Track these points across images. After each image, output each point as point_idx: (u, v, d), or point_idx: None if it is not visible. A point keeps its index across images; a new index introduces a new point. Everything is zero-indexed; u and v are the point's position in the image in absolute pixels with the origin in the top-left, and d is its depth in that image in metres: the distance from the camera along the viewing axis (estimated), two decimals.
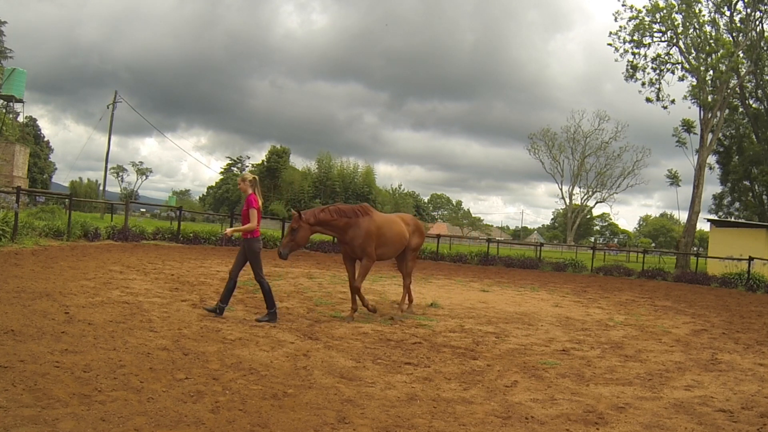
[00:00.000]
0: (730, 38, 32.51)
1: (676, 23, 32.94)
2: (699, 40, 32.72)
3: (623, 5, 34.13)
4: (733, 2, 32.79)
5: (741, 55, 32.37)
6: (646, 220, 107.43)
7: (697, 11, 32.64)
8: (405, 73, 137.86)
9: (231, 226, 22.34)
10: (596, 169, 61.31)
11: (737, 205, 40.51)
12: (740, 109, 37.25)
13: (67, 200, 20.65)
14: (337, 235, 7.75)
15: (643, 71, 34.87)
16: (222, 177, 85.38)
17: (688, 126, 36.49)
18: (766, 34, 32.55)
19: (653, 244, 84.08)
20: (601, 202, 63.42)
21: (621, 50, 34.78)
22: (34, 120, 62.71)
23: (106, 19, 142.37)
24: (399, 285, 12.39)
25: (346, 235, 7.60)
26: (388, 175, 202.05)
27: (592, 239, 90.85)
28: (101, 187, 52.62)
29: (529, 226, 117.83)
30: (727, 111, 34.69)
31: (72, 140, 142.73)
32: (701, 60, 32.56)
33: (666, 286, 18.64)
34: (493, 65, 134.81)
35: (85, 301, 6.98)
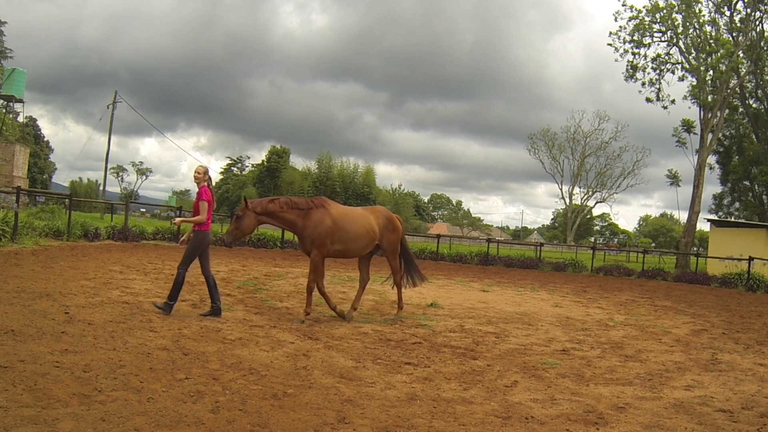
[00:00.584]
0: (730, 38, 32.53)
1: (676, 23, 32.97)
2: (699, 40, 32.74)
3: (623, 5, 34.20)
4: (733, 2, 32.81)
5: (741, 55, 32.40)
6: (646, 220, 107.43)
7: (697, 11, 32.68)
8: (404, 73, 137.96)
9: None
10: (596, 169, 61.35)
11: (737, 205, 40.52)
12: (740, 109, 37.26)
13: (67, 200, 20.66)
14: (289, 229, 7.46)
15: (643, 71, 34.95)
16: (222, 177, 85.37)
17: (688, 126, 36.52)
18: (766, 34, 32.57)
19: (653, 244, 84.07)
20: (601, 202, 63.44)
21: (621, 50, 34.89)
22: (34, 120, 62.71)
23: (105, 19, 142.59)
24: None
25: (297, 229, 7.25)
26: (387, 175, 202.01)
27: (592, 239, 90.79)
28: (101, 187, 52.63)
29: (529, 226, 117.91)
30: (727, 111, 34.70)
31: (72, 140, 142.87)
32: (701, 60, 32.57)
33: (666, 286, 18.63)
34: (492, 65, 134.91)
35: (85, 301, 6.98)
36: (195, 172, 7.05)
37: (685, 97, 34.36)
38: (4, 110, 41.53)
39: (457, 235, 52.41)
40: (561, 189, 62.51)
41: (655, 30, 33.94)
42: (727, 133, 39.20)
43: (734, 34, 32.81)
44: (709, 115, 32.48)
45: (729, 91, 32.82)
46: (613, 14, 37.36)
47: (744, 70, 33.33)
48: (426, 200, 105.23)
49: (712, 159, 37.35)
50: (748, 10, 32.37)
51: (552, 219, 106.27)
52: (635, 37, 34.22)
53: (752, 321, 10.69)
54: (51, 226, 15.33)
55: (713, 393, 5.15)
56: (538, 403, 4.50)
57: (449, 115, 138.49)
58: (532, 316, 9.23)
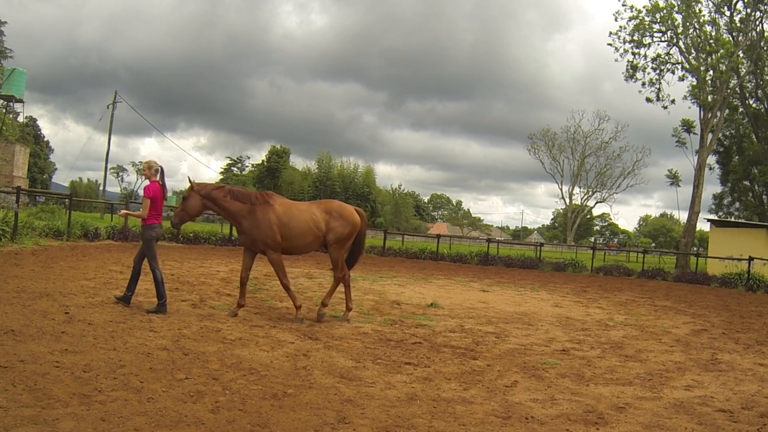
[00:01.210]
0: (730, 38, 32.53)
1: (676, 23, 32.97)
2: (699, 40, 32.74)
3: (623, 5, 34.20)
4: (733, 2, 32.81)
5: (741, 55, 32.41)
6: (646, 220, 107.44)
7: (697, 11, 32.68)
8: (404, 73, 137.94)
9: (231, 227, 22.38)
10: (596, 169, 61.39)
11: (737, 205, 40.52)
12: (740, 109, 37.26)
13: (67, 200, 20.67)
14: (229, 219, 7.39)
15: (643, 71, 34.95)
16: (222, 177, 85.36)
17: (688, 126, 36.53)
18: (766, 34, 32.56)
19: (653, 244, 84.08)
20: (601, 202, 63.47)
21: (621, 50, 34.89)
22: (34, 120, 62.73)
23: (105, 19, 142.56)
24: (400, 285, 12.40)
25: (240, 223, 7.16)
26: (387, 175, 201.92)
27: (592, 239, 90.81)
28: (101, 187, 52.65)
29: (529, 226, 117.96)
30: (727, 111, 34.71)
31: (72, 140, 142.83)
32: (701, 60, 32.57)
33: (666, 286, 18.63)
34: (492, 65, 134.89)
35: (85, 301, 6.98)
36: (146, 166, 7.11)
37: (685, 97, 34.40)
38: (4, 110, 41.54)
39: (457, 235, 52.43)
40: (561, 189, 62.57)
41: (655, 30, 33.95)
42: (727, 133, 39.21)
43: (734, 34, 32.81)
44: (709, 115, 32.48)
45: (729, 91, 32.83)
46: (613, 14, 37.44)
47: (744, 70, 33.33)
48: (426, 200, 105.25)
49: (712, 159, 37.39)
50: (748, 10, 32.38)
51: (552, 219, 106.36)
52: (635, 37, 34.23)
53: (752, 321, 10.69)
54: (51, 226, 15.34)
55: (713, 393, 5.15)
56: (538, 403, 4.50)
57: (449, 115, 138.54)
58: (532, 316, 9.23)
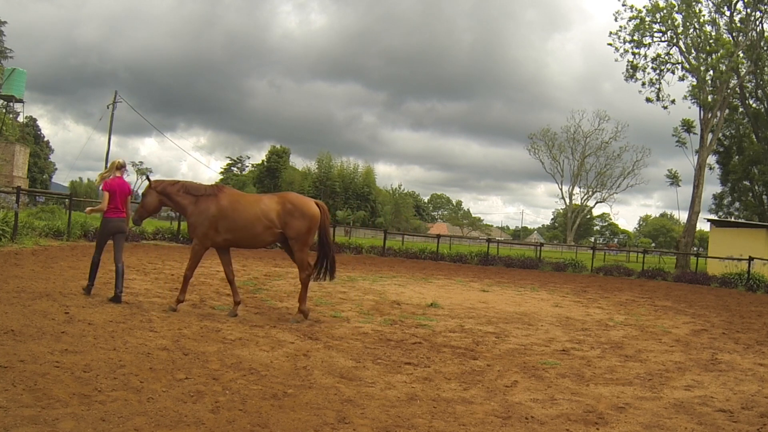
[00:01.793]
0: (730, 38, 32.54)
1: (676, 23, 32.98)
2: (699, 40, 32.75)
3: (623, 5, 34.21)
4: (733, 2, 32.81)
5: (741, 55, 32.42)
6: (646, 220, 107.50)
7: (697, 11, 32.68)
8: (403, 73, 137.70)
9: None
10: (596, 169, 61.48)
11: (737, 205, 40.54)
12: (740, 109, 37.27)
13: (67, 200, 20.66)
14: (183, 214, 7.42)
15: (643, 71, 34.97)
16: (222, 177, 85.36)
17: (688, 126, 36.55)
18: (766, 34, 32.57)
19: (653, 244, 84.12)
20: (601, 202, 63.54)
21: (621, 50, 34.90)
22: (34, 120, 62.71)
23: (105, 19, 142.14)
24: (400, 285, 12.40)
25: (186, 215, 7.23)
26: (387, 175, 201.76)
27: (592, 239, 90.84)
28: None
29: (529, 226, 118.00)
30: (727, 111, 34.72)
31: (72, 140, 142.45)
32: (701, 60, 32.59)
33: (666, 286, 18.64)
34: (491, 65, 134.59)
35: (85, 301, 6.98)
36: (110, 163, 7.56)
37: (685, 97, 34.42)
38: (4, 110, 41.54)
39: (457, 235, 52.44)
40: (561, 189, 62.64)
41: (655, 30, 33.96)
42: (727, 133, 39.22)
43: (734, 34, 32.81)
44: (709, 115, 32.49)
45: (729, 91, 32.83)
46: (613, 14, 37.42)
47: (744, 70, 33.34)
48: (426, 200, 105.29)
49: (712, 159, 37.40)
50: (748, 10, 32.38)
51: (552, 219, 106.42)
52: (635, 37, 34.24)
53: (752, 321, 10.70)
54: (51, 226, 15.36)
55: (713, 393, 5.15)
56: (538, 403, 4.50)
57: (448, 115, 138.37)
58: (532, 316, 9.23)
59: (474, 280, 15.28)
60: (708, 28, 33.09)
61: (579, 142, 61.40)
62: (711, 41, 32.32)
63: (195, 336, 5.77)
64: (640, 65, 34.83)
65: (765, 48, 32.81)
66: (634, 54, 34.72)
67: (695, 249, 38.34)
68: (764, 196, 38.09)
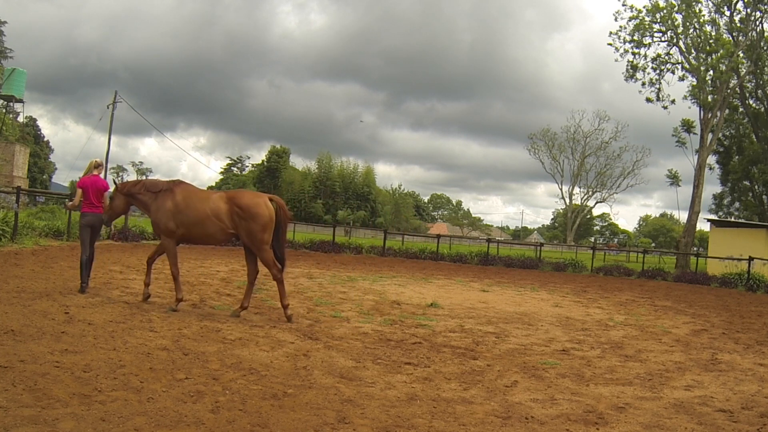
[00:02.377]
0: (730, 38, 32.55)
1: (676, 23, 32.99)
2: (699, 40, 32.76)
3: (623, 5, 34.24)
4: (733, 2, 32.82)
5: (741, 55, 32.43)
6: (646, 220, 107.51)
7: (697, 11, 32.70)
8: (403, 73, 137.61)
9: None
10: (596, 169, 61.52)
11: (737, 205, 40.56)
12: (740, 109, 37.28)
13: (67, 200, 20.66)
14: (145, 212, 7.58)
15: (643, 71, 35.00)
16: (222, 177, 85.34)
17: (688, 126, 36.57)
18: (766, 34, 32.58)
19: (653, 244, 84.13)
20: (601, 202, 63.57)
21: (621, 50, 34.93)
22: (34, 120, 62.69)
23: (105, 19, 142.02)
24: (400, 285, 12.41)
25: (149, 212, 7.35)
26: (387, 174, 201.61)
27: (592, 239, 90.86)
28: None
29: (529, 226, 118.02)
30: (727, 111, 34.74)
31: (72, 140, 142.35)
32: (701, 60, 32.60)
33: (666, 286, 18.64)
34: (491, 65, 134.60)
35: (85, 301, 6.98)
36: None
37: (685, 97, 34.45)
38: (4, 110, 41.55)
39: (457, 235, 52.45)
40: (561, 189, 62.68)
41: (655, 30, 33.98)
42: (727, 133, 39.24)
43: (734, 34, 32.82)
44: (709, 115, 32.50)
45: (729, 91, 32.84)
46: (613, 14, 37.49)
47: (744, 70, 33.34)
48: (426, 200, 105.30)
49: (712, 159, 37.44)
50: (748, 10, 32.40)
51: (552, 219, 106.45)
52: (635, 37, 34.27)
53: (752, 321, 10.70)
54: (51, 226, 15.36)
55: (713, 393, 5.15)
56: (538, 403, 4.50)
57: (448, 115, 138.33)
58: (532, 316, 9.23)
59: (474, 280, 15.28)
60: (708, 28, 33.12)
61: (579, 142, 61.47)
62: (711, 41, 32.33)
63: (195, 336, 5.77)
64: (640, 65, 34.87)
65: (765, 48, 32.82)
66: (634, 54, 34.76)
67: (695, 249, 38.34)
68: (764, 196, 38.10)
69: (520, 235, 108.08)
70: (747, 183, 39.10)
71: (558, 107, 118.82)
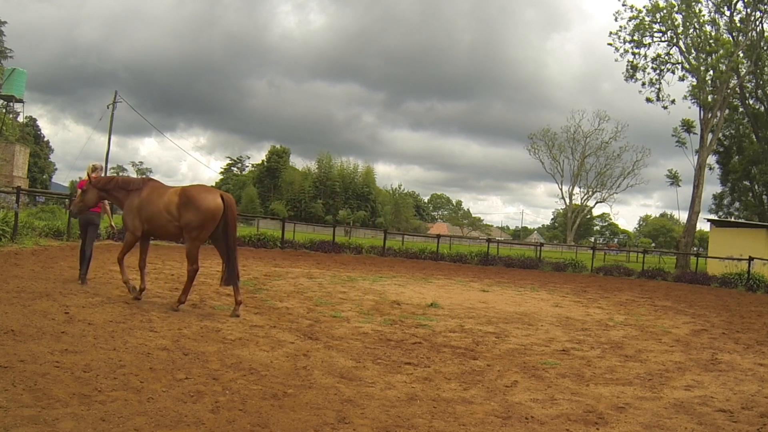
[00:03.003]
0: (730, 38, 32.55)
1: (676, 23, 33.00)
2: (699, 40, 32.76)
3: (623, 5, 34.25)
4: (733, 2, 32.82)
5: (741, 55, 32.43)
6: (646, 220, 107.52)
7: (697, 11, 32.70)
8: (402, 73, 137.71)
9: None
10: (596, 169, 61.55)
11: (737, 205, 40.56)
12: (740, 109, 37.28)
13: (67, 200, 20.66)
14: (120, 207, 7.83)
15: (643, 71, 35.01)
16: (222, 177, 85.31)
17: (688, 126, 36.56)
18: (766, 34, 32.58)
19: (653, 244, 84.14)
20: (601, 202, 63.59)
21: (621, 50, 34.95)
22: (34, 120, 62.71)
23: (105, 19, 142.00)
24: (400, 285, 12.40)
25: (123, 208, 7.67)
26: (386, 174, 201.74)
27: (592, 239, 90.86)
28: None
29: (529, 226, 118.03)
30: (727, 111, 34.74)
31: (72, 140, 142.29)
32: (701, 60, 32.60)
33: (666, 286, 18.64)
34: (490, 64, 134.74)
35: (85, 301, 6.98)
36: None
37: (685, 97, 34.45)
38: (4, 110, 41.55)
39: (457, 235, 52.45)
40: (561, 189, 62.73)
41: (655, 30, 33.98)
42: (727, 133, 39.25)
43: (734, 34, 32.82)
44: (709, 115, 32.49)
45: (729, 91, 32.84)
46: (613, 14, 37.51)
47: (744, 70, 33.34)
48: (426, 200, 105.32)
49: (712, 159, 37.44)
50: (748, 10, 32.40)
51: (552, 219, 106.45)
52: (635, 37, 34.28)
53: (752, 321, 10.69)
54: (51, 226, 15.34)
55: (713, 393, 5.15)
56: (538, 403, 4.50)
57: (448, 115, 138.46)
58: (532, 316, 9.23)
59: (474, 280, 15.28)
60: (708, 28, 33.12)
61: (579, 142, 61.50)
62: (711, 41, 32.33)
63: (195, 336, 5.77)
64: (640, 65, 34.88)
65: (765, 48, 32.82)
66: (634, 54, 34.77)
67: (695, 249, 38.35)
68: (764, 196, 38.10)
69: (520, 235, 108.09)
70: (747, 183, 39.11)
71: (558, 107, 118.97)
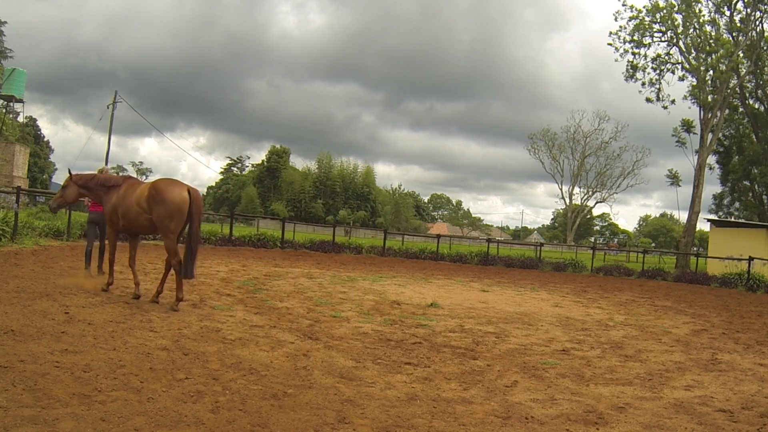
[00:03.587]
0: (730, 38, 32.55)
1: (676, 23, 32.99)
2: (699, 40, 32.76)
3: (623, 5, 34.24)
4: (733, 2, 32.82)
5: (741, 55, 32.43)
6: (646, 220, 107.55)
7: (697, 11, 32.70)
8: (402, 73, 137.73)
9: (231, 227, 22.41)
10: (596, 169, 61.57)
11: (737, 205, 40.56)
12: (740, 109, 37.28)
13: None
14: (101, 204, 8.06)
15: (643, 71, 35.00)
16: (222, 177, 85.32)
17: (688, 126, 36.58)
18: (766, 34, 32.57)
19: (653, 244, 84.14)
20: (601, 202, 63.60)
21: (621, 50, 34.93)
22: (34, 120, 62.70)
23: (104, 19, 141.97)
24: (400, 285, 12.40)
25: (104, 205, 7.88)
26: (386, 174, 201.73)
27: (592, 239, 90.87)
28: None
29: (529, 226, 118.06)
30: (727, 111, 34.73)
31: (71, 140, 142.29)
32: (701, 60, 32.59)
33: (666, 286, 18.64)
34: (490, 64, 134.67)
35: (85, 301, 6.98)
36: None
37: (685, 97, 34.44)
38: (4, 110, 41.54)
39: (457, 235, 52.45)
40: (561, 189, 62.73)
41: (655, 30, 33.97)
42: (727, 133, 39.24)
43: (734, 34, 32.81)
44: (709, 115, 32.49)
45: (729, 91, 32.83)
46: (613, 14, 37.50)
47: (744, 70, 33.34)
48: (426, 200, 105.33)
49: (712, 159, 37.44)
50: (748, 10, 32.39)
51: (552, 219, 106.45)
52: (635, 37, 34.27)
53: (752, 321, 10.70)
54: (51, 226, 15.33)
55: (713, 393, 5.15)
56: (538, 403, 4.50)
57: (447, 115, 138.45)
58: (532, 316, 9.23)
59: (474, 280, 15.28)
60: (708, 28, 33.11)
61: (579, 142, 61.50)
62: (711, 41, 32.32)
63: (195, 336, 5.77)
64: (640, 65, 34.87)
65: (765, 48, 32.81)
66: (634, 54, 34.76)
67: (695, 249, 38.35)
68: (764, 196, 38.10)
69: (520, 235, 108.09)
70: (747, 183, 39.11)
71: (557, 107, 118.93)
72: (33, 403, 3.50)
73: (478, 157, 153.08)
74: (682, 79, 34.29)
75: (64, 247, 13.49)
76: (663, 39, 34.05)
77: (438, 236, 27.53)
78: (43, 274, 8.81)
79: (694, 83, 32.88)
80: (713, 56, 31.68)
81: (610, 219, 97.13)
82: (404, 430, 3.70)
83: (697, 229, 36.88)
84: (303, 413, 3.82)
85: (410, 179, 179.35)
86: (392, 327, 7.29)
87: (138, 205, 7.28)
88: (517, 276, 18.28)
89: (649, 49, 34.58)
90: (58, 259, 10.90)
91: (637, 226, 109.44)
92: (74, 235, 15.49)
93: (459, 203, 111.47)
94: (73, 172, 8.10)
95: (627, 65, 35.14)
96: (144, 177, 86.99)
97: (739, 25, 32.64)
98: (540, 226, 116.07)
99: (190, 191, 7.19)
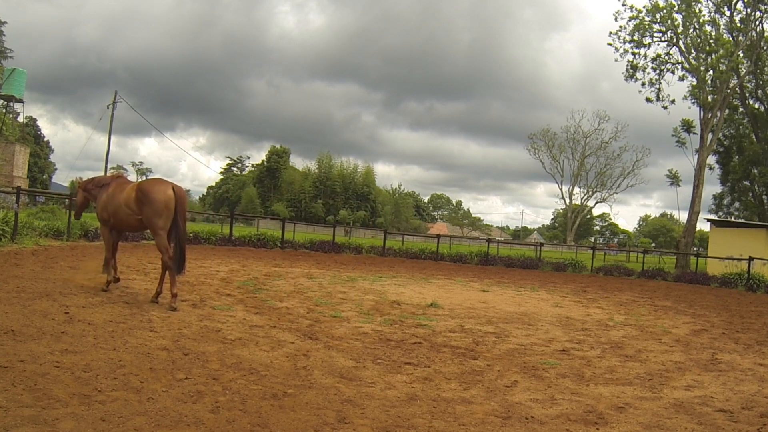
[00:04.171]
0: (730, 38, 32.54)
1: (676, 23, 32.98)
2: (699, 40, 32.76)
3: (623, 5, 34.23)
4: (733, 2, 32.82)
5: (741, 55, 32.42)
6: (645, 220, 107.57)
7: (697, 11, 32.69)
8: (402, 73, 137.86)
9: (231, 227, 22.41)
10: (596, 169, 61.57)
11: (737, 205, 40.55)
12: (740, 109, 37.28)
13: (67, 200, 20.66)
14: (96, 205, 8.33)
15: (643, 71, 35.00)
16: (222, 177, 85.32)
17: (687, 126, 36.59)
18: (766, 34, 32.57)
19: (653, 244, 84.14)
20: (601, 202, 63.59)
21: (621, 50, 34.92)
22: (34, 120, 62.76)
23: (104, 19, 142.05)
24: (400, 285, 12.40)
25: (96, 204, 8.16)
26: (386, 174, 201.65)
27: (592, 239, 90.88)
28: None
29: (529, 226, 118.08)
30: (727, 111, 34.73)
31: (71, 140, 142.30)
32: (701, 60, 32.59)
33: (666, 286, 18.63)
34: (489, 64, 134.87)
35: (85, 301, 6.98)
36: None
37: (685, 97, 34.44)
38: (4, 110, 41.53)
39: (457, 235, 52.45)
40: (561, 189, 62.75)
41: (655, 30, 33.97)
42: (727, 133, 39.24)
43: (734, 34, 32.81)
44: (709, 115, 32.49)
45: (729, 91, 32.83)
46: (613, 14, 37.49)
47: (744, 70, 33.34)
48: (426, 200, 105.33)
49: (712, 159, 37.45)
50: (748, 10, 32.38)
51: (552, 219, 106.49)
52: (635, 37, 34.26)
53: (752, 321, 10.69)
54: (51, 226, 15.33)
55: (713, 393, 5.15)
56: (538, 403, 4.50)
57: (447, 115, 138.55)
58: (532, 316, 9.23)
59: (474, 280, 15.28)
60: (708, 28, 33.11)
61: (579, 142, 61.53)
62: (711, 41, 32.32)
63: (195, 336, 5.77)
64: (640, 65, 34.86)
65: (765, 48, 32.81)
66: (634, 54, 34.76)
67: (695, 249, 38.35)
68: (764, 196, 38.10)
69: (520, 235, 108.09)
70: (747, 183, 39.10)
71: (557, 107, 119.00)
72: (33, 403, 3.50)
73: (478, 157, 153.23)
74: (682, 79, 34.33)
75: (64, 247, 13.50)
76: (663, 39, 34.07)
77: (438, 236, 27.52)
78: (43, 274, 8.81)
79: (694, 83, 32.89)
80: (713, 56, 31.68)
81: (610, 219, 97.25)
82: (404, 430, 3.70)
83: (697, 229, 36.90)
84: (303, 413, 3.82)
85: (410, 179, 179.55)
86: (392, 327, 7.29)
87: (127, 206, 7.50)
88: (517, 276, 18.28)
89: (649, 49, 34.62)
90: (58, 259, 10.90)
91: (637, 226, 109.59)
92: (74, 235, 15.49)
93: (459, 203, 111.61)
94: (85, 177, 8.61)
95: (627, 65, 35.17)
96: (144, 177, 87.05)
97: (739, 25, 32.64)
98: (540, 226, 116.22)
99: (175, 188, 7.40)
